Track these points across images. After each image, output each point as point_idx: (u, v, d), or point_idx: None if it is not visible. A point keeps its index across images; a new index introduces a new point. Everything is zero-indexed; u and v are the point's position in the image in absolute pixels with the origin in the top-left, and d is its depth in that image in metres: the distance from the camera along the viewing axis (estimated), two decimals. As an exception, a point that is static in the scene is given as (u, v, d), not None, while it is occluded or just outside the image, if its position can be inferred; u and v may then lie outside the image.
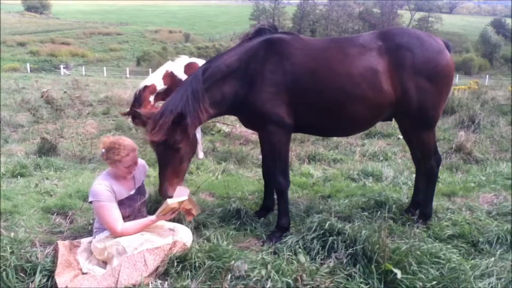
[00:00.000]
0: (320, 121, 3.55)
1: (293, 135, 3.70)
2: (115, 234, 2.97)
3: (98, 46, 65.10)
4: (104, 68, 42.97)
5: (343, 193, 4.60)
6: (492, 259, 3.03)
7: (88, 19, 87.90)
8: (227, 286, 2.63)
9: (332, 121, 3.54)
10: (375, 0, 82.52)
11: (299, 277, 2.65)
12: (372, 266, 2.80)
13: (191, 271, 2.80)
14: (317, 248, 3.11)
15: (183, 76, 6.00)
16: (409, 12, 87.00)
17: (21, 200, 4.28)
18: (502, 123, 8.54)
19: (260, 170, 4.66)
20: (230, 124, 8.61)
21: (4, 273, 2.66)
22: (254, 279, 2.68)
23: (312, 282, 2.64)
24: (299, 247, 3.16)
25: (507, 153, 6.47)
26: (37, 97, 11.96)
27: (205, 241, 3.25)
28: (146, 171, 3.48)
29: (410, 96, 3.39)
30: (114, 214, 3.00)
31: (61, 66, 41.43)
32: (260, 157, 5.16)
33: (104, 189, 3.01)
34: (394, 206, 4.04)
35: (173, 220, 3.31)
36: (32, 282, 2.69)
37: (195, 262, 2.83)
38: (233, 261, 2.77)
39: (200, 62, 6.24)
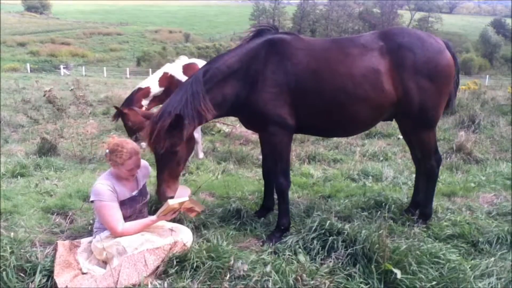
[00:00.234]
0: (321, 122, 3.54)
1: (293, 136, 3.70)
2: (115, 234, 2.97)
3: (98, 46, 65.13)
4: (104, 68, 42.97)
5: (343, 193, 4.60)
6: (492, 259, 3.03)
7: (88, 19, 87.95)
8: (227, 286, 2.63)
9: (334, 121, 3.54)
10: (375, 0, 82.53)
11: (299, 277, 2.65)
12: (372, 266, 2.80)
13: (191, 271, 2.80)
14: (317, 248, 3.11)
15: (182, 78, 5.88)
16: (409, 12, 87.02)
17: (21, 200, 4.28)
18: (502, 123, 8.54)
19: (260, 170, 4.67)
20: (230, 124, 8.61)
21: (4, 273, 2.66)
22: (254, 279, 2.68)
23: (312, 282, 2.64)
24: (299, 247, 3.16)
25: (507, 153, 6.48)
26: (37, 97, 11.97)
27: (205, 241, 3.25)
28: (149, 172, 3.48)
29: (411, 96, 3.39)
30: (115, 214, 3.00)
31: (61, 66, 41.46)
32: (260, 157, 5.16)
33: (106, 188, 3.02)
34: (394, 206, 4.04)
35: (173, 220, 3.31)
36: (32, 282, 2.68)
37: (195, 262, 2.83)
38: (232, 261, 2.78)
39: (200, 62, 6.20)
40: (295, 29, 67.86)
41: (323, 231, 3.22)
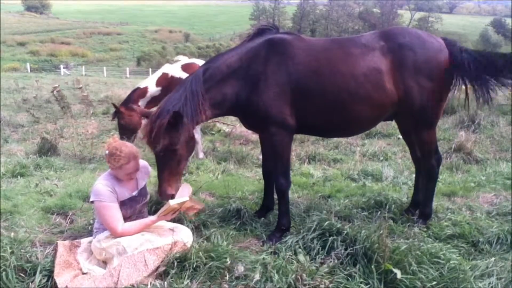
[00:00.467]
0: (322, 122, 3.53)
1: (293, 136, 3.70)
2: (115, 234, 2.97)
3: (98, 46, 65.11)
4: (104, 68, 42.92)
5: (343, 193, 4.60)
6: (492, 259, 3.02)
7: (88, 19, 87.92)
8: (227, 286, 2.63)
9: (335, 121, 3.53)
10: (375, 0, 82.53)
11: (299, 277, 2.65)
12: (372, 266, 2.80)
13: (191, 271, 2.80)
14: (317, 248, 3.11)
15: (181, 78, 5.81)
16: (409, 12, 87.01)
17: (21, 200, 4.27)
18: (502, 123, 8.53)
19: (260, 170, 4.67)
20: (230, 124, 8.60)
21: (4, 273, 2.66)
22: (254, 279, 2.68)
23: (312, 282, 2.64)
24: (299, 247, 3.16)
25: (507, 153, 6.47)
26: (38, 97, 11.98)
27: (205, 241, 3.25)
28: (149, 172, 3.47)
29: (412, 95, 3.39)
30: (115, 215, 3.00)
31: (61, 66, 41.42)
32: (260, 157, 5.16)
33: (105, 189, 3.01)
34: (394, 206, 4.04)
35: (173, 220, 3.31)
36: (32, 282, 2.69)
37: (195, 262, 2.83)
38: (229, 261, 2.78)
39: (199, 62, 6.18)
40: (295, 29, 67.84)
41: (323, 231, 3.22)
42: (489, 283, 2.74)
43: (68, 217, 3.85)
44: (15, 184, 4.90)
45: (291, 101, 3.34)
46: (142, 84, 6.20)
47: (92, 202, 3.06)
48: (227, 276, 2.70)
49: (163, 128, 3.07)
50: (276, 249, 3.22)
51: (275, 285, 2.64)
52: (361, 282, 2.74)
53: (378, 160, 6.27)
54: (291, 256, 3.02)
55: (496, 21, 78.14)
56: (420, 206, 3.88)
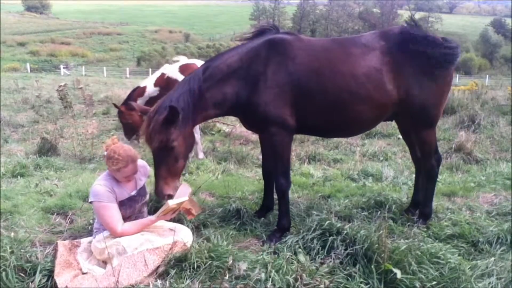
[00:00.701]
0: (323, 122, 3.53)
1: (293, 136, 3.70)
2: (115, 234, 2.97)
3: (98, 46, 65.13)
4: (104, 68, 42.94)
5: (343, 193, 4.60)
6: (492, 259, 3.02)
7: (88, 19, 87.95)
8: (227, 286, 2.63)
9: (336, 122, 3.53)
10: (375, 0, 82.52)
11: (299, 277, 2.65)
12: (372, 266, 2.80)
13: (191, 271, 2.80)
14: (317, 248, 3.11)
15: (179, 78, 5.85)
16: (409, 12, 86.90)
17: (21, 200, 4.27)
18: (502, 123, 8.53)
19: (260, 170, 4.66)
20: (230, 124, 8.61)
21: (4, 273, 2.66)
22: (254, 279, 2.68)
23: (312, 282, 2.64)
24: (299, 247, 3.16)
25: (507, 153, 6.47)
26: (39, 96, 11.96)
27: (205, 241, 3.25)
28: (148, 172, 3.47)
29: (412, 95, 3.40)
30: (114, 215, 3.00)
31: (61, 66, 41.45)
32: (260, 157, 5.16)
33: (104, 189, 3.01)
34: (394, 206, 4.04)
35: (173, 220, 3.31)
36: (32, 282, 2.68)
37: (195, 262, 2.83)
38: (231, 260, 2.77)
39: (199, 63, 6.19)
40: (295, 29, 67.85)
41: (322, 231, 3.22)
42: (489, 283, 2.74)
43: (68, 217, 3.85)
44: (15, 184, 4.90)
45: (292, 102, 3.33)
46: (142, 84, 6.33)
47: (91, 202, 3.06)
48: (227, 275, 2.69)
49: (160, 124, 3.06)
50: (276, 249, 3.22)
51: (275, 285, 2.64)
52: (361, 282, 2.74)
53: (378, 160, 6.27)
54: (291, 256, 3.02)
55: (496, 21, 78.12)
56: (420, 206, 3.88)
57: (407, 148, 4.45)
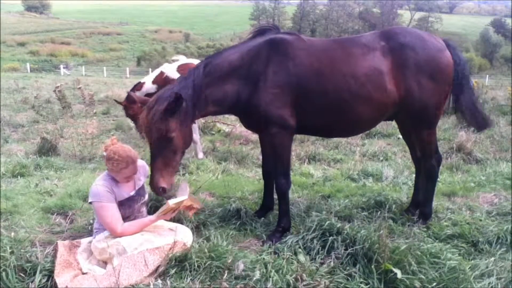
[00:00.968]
0: (324, 122, 3.53)
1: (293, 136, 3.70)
2: (115, 234, 2.97)
3: (98, 46, 65.09)
4: (104, 68, 42.94)
5: (343, 193, 4.60)
6: (492, 259, 3.03)
7: (88, 19, 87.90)
8: (227, 286, 2.63)
9: (336, 122, 3.53)
10: (375, 0, 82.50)
11: (299, 277, 2.65)
12: (372, 266, 2.80)
13: (191, 271, 2.80)
14: (317, 248, 3.11)
15: (175, 78, 5.97)
16: (409, 12, 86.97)
17: (21, 200, 4.27)
18: (502, 123, 8.54)
19: (260, 170, 4.66)
20: (230, 124, 8.61)
21: (4, 273, 2.66)
22: (254, 279, 2.68)
23: (312, 282, 2.64)
24: (299, 247, 3.16)
25: (507, 153, 6.47)
26: (38, 96, 11.95)
27: (205, 241, 3.25)
28: (147, 172, 3.46)
29: (413, 95, 3.40)
30: (114, 215, 3.00)
31: (61, 66, 41.48)
32: (260, 157, 5.16)
33: (103, 189, 3.01)
34: (394, 206, 4.04)
35: (173, 220, 3.31)
36: (32, 282, 2.68)
37: (195, 262, 2.83)
38: (230, 260, 2.77)
39: (197, 62, 6.25)
40: (295, 29, 67.85)
41: (322, 231, 3.22)
42: (489, 283, 2.74)
43: (68, 217, 3.85)
44: (15, 184, 4.89)
45: (292, 102, 3.33)
46: (142, 80, 6.65)
47: (91, 203, 3.06)
48: (226, 275, 2.69)
49: (161, 113, 3.03)
50: (276, 249, 3.22)
51: (275, 285, 2.64)
52: (361, 282, 2.74)
53: (378, 160, 6.27)
54: (291, 256, 3.02)
55: (496, 21, 78.09)
56: (420, 206, 3.88)
57: (407, 148, 4.45)
